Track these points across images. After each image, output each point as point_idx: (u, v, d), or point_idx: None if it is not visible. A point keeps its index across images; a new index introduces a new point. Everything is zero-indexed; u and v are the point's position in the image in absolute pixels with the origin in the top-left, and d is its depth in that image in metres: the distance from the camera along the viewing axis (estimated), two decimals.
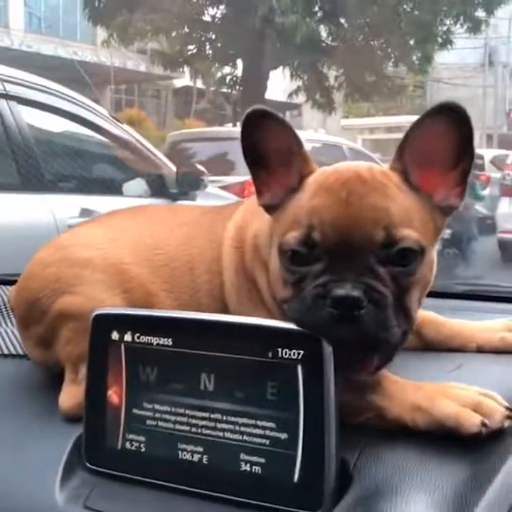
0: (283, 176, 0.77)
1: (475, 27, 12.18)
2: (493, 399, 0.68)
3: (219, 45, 12.23)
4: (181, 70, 12.50)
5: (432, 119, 0.70)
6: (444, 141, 0.72)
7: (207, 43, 12.34)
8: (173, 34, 12.01)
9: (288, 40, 10.39)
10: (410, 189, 0.73)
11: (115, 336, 0.65)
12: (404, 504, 0.59)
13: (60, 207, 2.91)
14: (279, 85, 14.06)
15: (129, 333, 0.65)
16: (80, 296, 0.81)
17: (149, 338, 0.65)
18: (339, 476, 0.62)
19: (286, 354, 0.62)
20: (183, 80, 16.50)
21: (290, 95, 13.58)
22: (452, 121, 0.70)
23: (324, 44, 12.30)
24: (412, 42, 12.32)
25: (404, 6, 11.56)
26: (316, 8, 11.80)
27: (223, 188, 5.06)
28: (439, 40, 12.27)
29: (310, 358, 0.61)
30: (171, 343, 0.65)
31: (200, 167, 4.19)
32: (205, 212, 0.94)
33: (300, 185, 0.76)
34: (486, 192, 9.95)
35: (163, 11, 10.72)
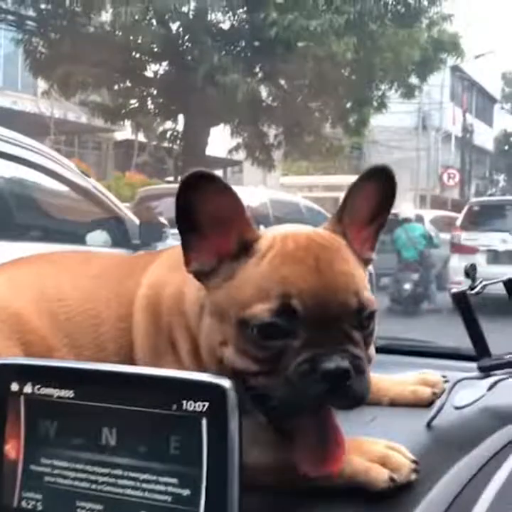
0: (217, 242, 0.74)
1: (408, 92, 12.76)
2: (400, 452, 0.69)
3: (161, 100, 12.36)
4: (122, 123, 12.54)
5: (364, 182, 0.74)
6: (371, 201, 0.75)
7: (148, 98, 12.46)
8: (115, 88, 12.07)
9: (229, 98, 10.59)
10: (351, 250, 0.75)
11: (15, 387, 0.63)
12: None
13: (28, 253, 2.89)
14: (221, 142, 14.28)
15: (29, 384, 0.63)
16: None
17: (50, 389, 0.62)
18: None
19: (190, 406, 0.61)
20: (125, 132, 16.58)
21: (230, 152, 13.79)
22: (379, 181, 0.74)
23: (264, 103, 12.59)
24: (348, 105, 12.75)
25: (342, 70, 11.99)
26: (257, 69, 12.10)
27: None
28: (375, 103, 12.73)
29: (215, 410, 0.60)
30: (72, 395, 0.63)
31: (163, 220, 4.35)
32: (118, 264, 0.92)
33: (245, 252, 0.73)
34: None
35: (105, 64, 10.80)
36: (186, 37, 11.45)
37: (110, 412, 0.62)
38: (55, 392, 0.63)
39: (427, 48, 12.01)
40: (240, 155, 14.59)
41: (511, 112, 37.46)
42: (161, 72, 12.43)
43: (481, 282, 0.92)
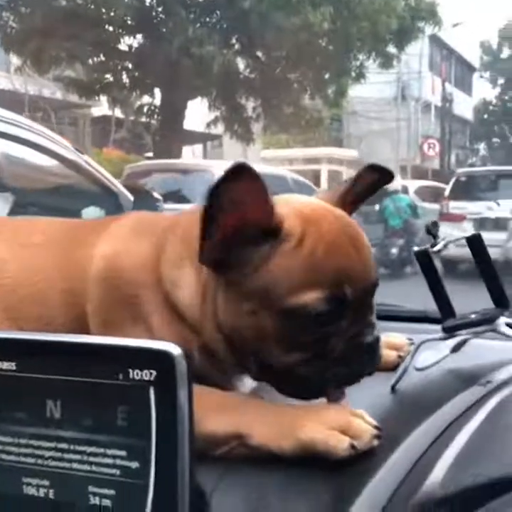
0: (239, 227, 0.71)
1: (386, 62, 12.69)
2: (362, 418, 0.67)
3: (136, 74, 12.19)
4: (97, 98, 12.36)
5: (372, 172, 0.80)
6: (369, 189, 0.83)
7: (123, 72, 12.29)
8: (89, 62, 11.88)
9: (205, 70, 10.46)
10: None
11: None
12: None
13: None
14: (199, 116, 14.15)
15: None
16: None
17: None
18: (195, 506, 0.58)
19: (137, 375, 0.58)
20: (101, 108, 16.36)
21: (208, 125, 13.67)
22: (382, 177, 0.82)
23: (242, 76, 12.47)
24: (327, 76, 12.66)
25: (320, 41, 11.87)
26: (233, 41, 11.96)
27: None
28: (353, 74, 12.66)
29: (163, 379, 0.58)
30: (14, 368, 0.60)
31: (156, 195, 4.45)
32: (66, 231, 0.87)
33: (273, 237, 0.71)
34: None
35: (78, 38, 10.60)
36: (160, 9, 11.25)
37: (54, 384, 0.60)
38: None
39: (404, 16, 11.92)
40: (219, 129, 14.48)
41: (490, 81, 37.49)
42: (135, 45, 12.24)
43: (443, 239, 0.91)
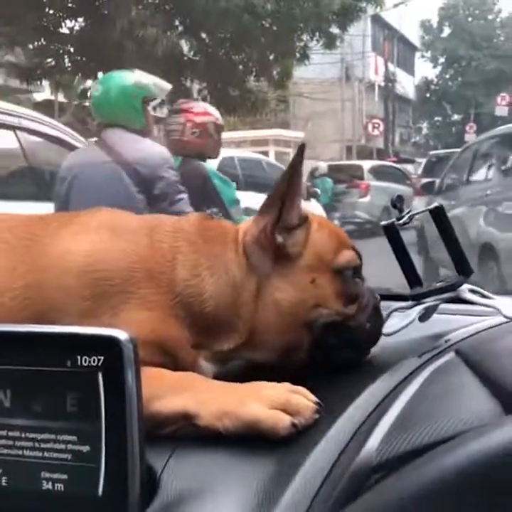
0: (295, 213, 0.85)
1: (330, 43, 12.71)
2: (302, 395, 0.68)
3: (78, 57, 11.92)
4: (39, 82, 12.05)
5: None
6: None
7: (65, 56, 12.00)
8: (29, 46, 11.55)
9: (148, 53, 10.30)
10: None
11: None
12: (211, 504, 0.58)
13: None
14: None
15: None
16: None
17: None
18: (146, 485, 0.60)
19: (85, 362, 0.59)
20: (44, 93, 15.97)
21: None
22: None
23: (186, 58, 12.33)
24: (271, 57, 12.63)
25: (264, 22, 11.82)
26: (177, 22, 11.81)
27: None
28: (297, 55, 12.65)
29: (110, 363, 0.59)
30: None
31: None
32: (14, 228, 0.85)
33: (304, 222, 0.85)
34: (366, 199, 12.71)
35: (17, 22, 10.30)
36: None
37: (3, 373, 0.60)
38: None
39: None
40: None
41: (431, 60, 38.02)
42: (77, 28, 11.95)
43: (408, 213, 0.95)
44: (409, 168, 18.74)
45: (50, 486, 0.60)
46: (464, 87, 36.27)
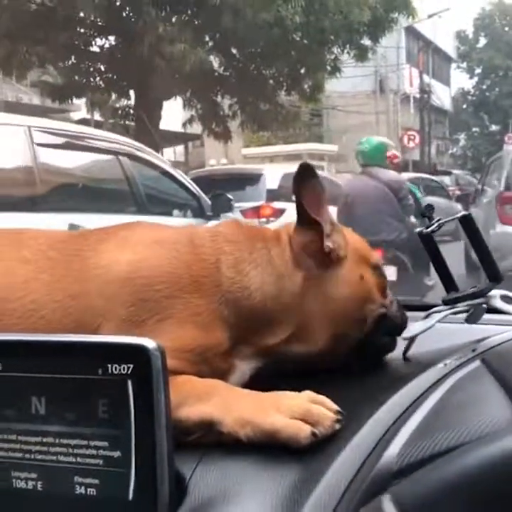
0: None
1: (362, 54, 12.69)
2: (322, 404, 0.70)
3: (110, 75, 12.10)
4: (70, 101, 12.24)
5: None
6: None
7: (96, 74, 12.18)
8: (60, 65, 11.76)
9: (177, 69, 10.41)
10: None
11: None
12: (237, 510, 0.60)
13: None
14: (179, 116, 14.07)
15: None
16: None
17: None
18: (174, 490, 0.63)
19: (116, 370, 0.63)
20: (81, 112, 16.24)
21: (184, 125, 13.61)
22: None
23: (216, 73, 12.43)
24: (302, 70, 12.66)
25: (294, 36, 11.88)
26: (207, 38, 11.93)
27: (241, 212, 6.54)
28: (328, 68, 12.65)
29: (139, 371, 0.62)
30: (0, 368, 0.64)
31: (228, 195, 5.60)
32: (56, 244, 0.89)
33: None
34: None
35: (49, 41, 10.50)
36: (129, 8, 11.19)
37: (38, 382, 0.64)
38: None
39: (376, 7, 11.94)
40: (196, 128, 14.46)
41: (467, 71, 37.75)
42: (107, 46, 12.14)
43: (437, 221, 0.99)
44: (445, 179, 18.61)
45: (82, 490, 0.63)
46: (501, 97, 35.96)
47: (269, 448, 0.67)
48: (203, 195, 5.47)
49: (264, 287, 0.85)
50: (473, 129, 39.33)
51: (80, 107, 15.64)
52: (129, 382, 0.63)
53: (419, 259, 4.71)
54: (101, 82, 12.39)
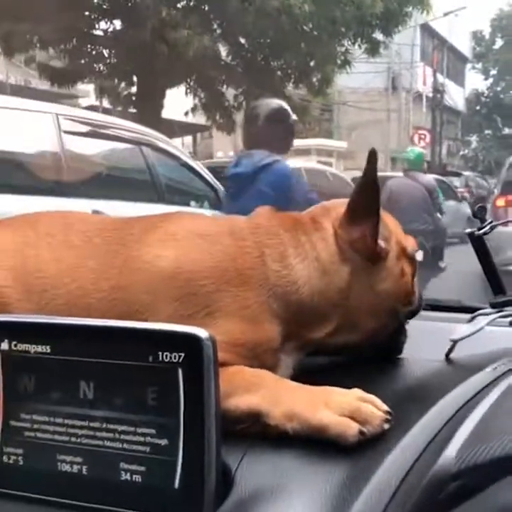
0: None
1: (373, 49, 12.47)
2: (371, 403, 0.71)
3: (113, 60, 11.90)
4: (70, 86, 12.04)
5: None
6: None
7: (98, 58, 11.98)
8: (61, 47, 11.55)
9: (180, 55, 10.23)
10: None
11: None
12: (284, 505, 0.61)
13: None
14: (183, 105, 13.92)
15: (6, 340, 0.65)
16: None
17: (27, 345, 0.65)
18: (221, 481, 0.63)
19: (166, 357, 0.63)
20: (89, 99, 16.16)
21: (186, 114, 13.37)
22: None
23: (222, 62, 12.25)
24: (312, 63, 12.46)
25: (304, 26, 11.69)
26: (214, 26, 11.74)
27: None
28: (338, 61, 12.44)
29: (190, 360, 0.63)
30: (49, 351, 0.65)
31: None
32: (103, 231, 0.90)
33: None
34: None
35: (51, 23, 10.30)
36: None
37: (87, 366, 0.65)
38: (32, 348, 0.65)
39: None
40: (198, 118, 14.28)
41: (483, 72, 37.64)
42: (110, 29, 11.90)
43: (489, 223, 0.99)
44: (455, 181, 18.57)
45: (128, 476, 0.64)
46: None
47: (315, 443, 0.67)
48: (221, 186, 5.56)
49: (312, 281, 0.86)
50: (486, 132, 39.23)
51: (88, 93, 15.56)
52: (180, 371, 0.63)
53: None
54: (104, 68, 12.15)
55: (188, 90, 12.62)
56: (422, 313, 0.99)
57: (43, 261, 0.86)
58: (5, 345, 0.65)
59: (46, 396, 0.65)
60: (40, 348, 0.65)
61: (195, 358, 0.63)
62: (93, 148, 4.98)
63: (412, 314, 0.97)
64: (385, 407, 0.70)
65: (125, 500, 0.64)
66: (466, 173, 21.74)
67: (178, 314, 0.80)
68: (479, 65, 38.29)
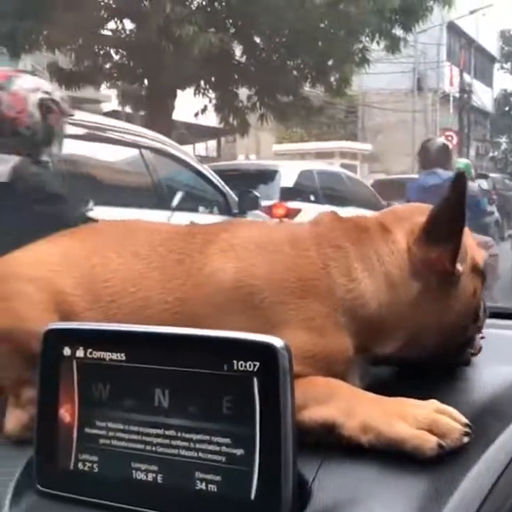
0: None
1: (393, 45, 12.14)
2: (450, 416, 0.71)
3: (121, 61, 11.82)
4: (78, 87, 11.89)
5: None
6: None
7: (106, 59, 11.90)
8: (68, 48, 11.47)
9: (185, 53, 10.06)
10: None
11: (67, 351, 0.67)
12: None
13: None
14: (196, 107, 13.66)
15: (81, 348, 0.67)
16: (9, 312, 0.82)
17: (102, 353, 0.67)
18: (297, 492, 0.64)
19: (241, 366, 0.65)
20: (111, 104, 16.19)
21: (196, 115, 13.16)
22: None
23: (235, 61, 12.08)
24: (330, 62, 12.24)
25: (321, 24, 11.53)
26: (228, 25, 11.63)
27: None
28: (356, 59, 12.23)
29: (266, 370, 0.64)
30: (124, 358, 0.67)
31: (256, 192, 5.69)
32: (167, 241, 0.92)
33: None
34: None
35: (56, 21, 10.22)
36: None
37: (162, 374, 0.66)
38: (107, 356, 0.67)
39: None
40: (211, 120, 14.05)
41: (511, 72, 37.33)
42: (120, 29, 11.69)
43: None
44: (482, 183, 18.43)
45: (203, 486, 0.65)
46: None
47: (393, 456, 0.67)
48: (230, 191, 5.57)
49: (380, 296, 0.85)
50: None
51: (110, 98, 15.61)
52: (255, 380, 0.65)
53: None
54: (113, 69, 12.03)
55: (197, 91, 12.40)
56: (496, 321, 0.99)
57: (110, 270, 0.88)
58: (80, 353, 0.67)
59: (121, 404, 0.67)
60: (115, 356, 0.67)
61: (270, 367, 0.64)
62: (88, 151, 4.77)
63: (479, 329, 0.96)
64: (464, 420, 0.70)
65: (200, 510, 0.65)
66: (494, 174, 21.57)
67: (241, 329, 0.81)
68: (508, 65, 37.98)
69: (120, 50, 11.77)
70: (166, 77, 10.90)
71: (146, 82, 11.86)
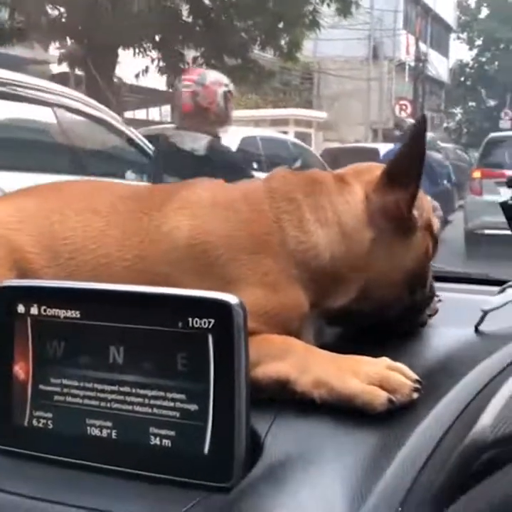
0: None
1: (344, 8, 12.03)
2: (401, 372, 0.74)
3: (60, 18, 11.47)
4: (11, 44, 11.45)
5: None
6: None
7: (42, 15, 11.48)
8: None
9: (124, 10, 9.73)
10: None
11: (21, 309, 0.68)
12: (315, 470, 0.64)
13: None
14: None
15: (35, 305, 0.68)
16: None
17: (56, 310, 0.68)
18: (250, 447, 0.66)
19: (196, 323, 0.66)
20: (62, 66, 15.74)
21: (137, 76, 12.81)
22: None
23: (181, 21, 11.81)
24: (280, 25, 12.04)
25: None
26: None
27: None
28: (306, 21, 12.05)
29: (220, 326, 0.66)
30: (78, 316, 0.68)
31: None
32: (128, 199, 0.94)
33: None
34: None
35: None
36: None
37: (117, 331, 0.68)
38: (62, 313, 0.68)
39: None
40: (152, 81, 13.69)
41: (467, 42, 37.68)
42: None
43: None
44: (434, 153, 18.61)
45: (157, 441, 0.68)
46: (500, 72, 36.07)
47: (345, 411, 0.70)
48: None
49: (333, 247, 0.88)
50: (470, 104, 39.41)
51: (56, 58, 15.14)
52: (210, 337, 0.66)
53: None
54: (50, 26, 11.55)
55: (139, 50, 11.92)
56: (451, 285, 1.02)
57: (69, 227, 0.89)
58: (34, 310, 0.68)
59: (76, 361, 0.69)
60: (69, 313, 0.68)
61: (225, 324, 0.66)
62: None
63: (433, 294, 1.00)
64: (415, 376, 0.74)
65: (154, 465, 0.67)
66: (446, 144, 21.83)
67: (196, 287, 0.82)
68: (464, 35, 38.34)
69: (57, 7, 11.34)
70: (105, 36, 10.51)
71: (85, 41, 11.46)
